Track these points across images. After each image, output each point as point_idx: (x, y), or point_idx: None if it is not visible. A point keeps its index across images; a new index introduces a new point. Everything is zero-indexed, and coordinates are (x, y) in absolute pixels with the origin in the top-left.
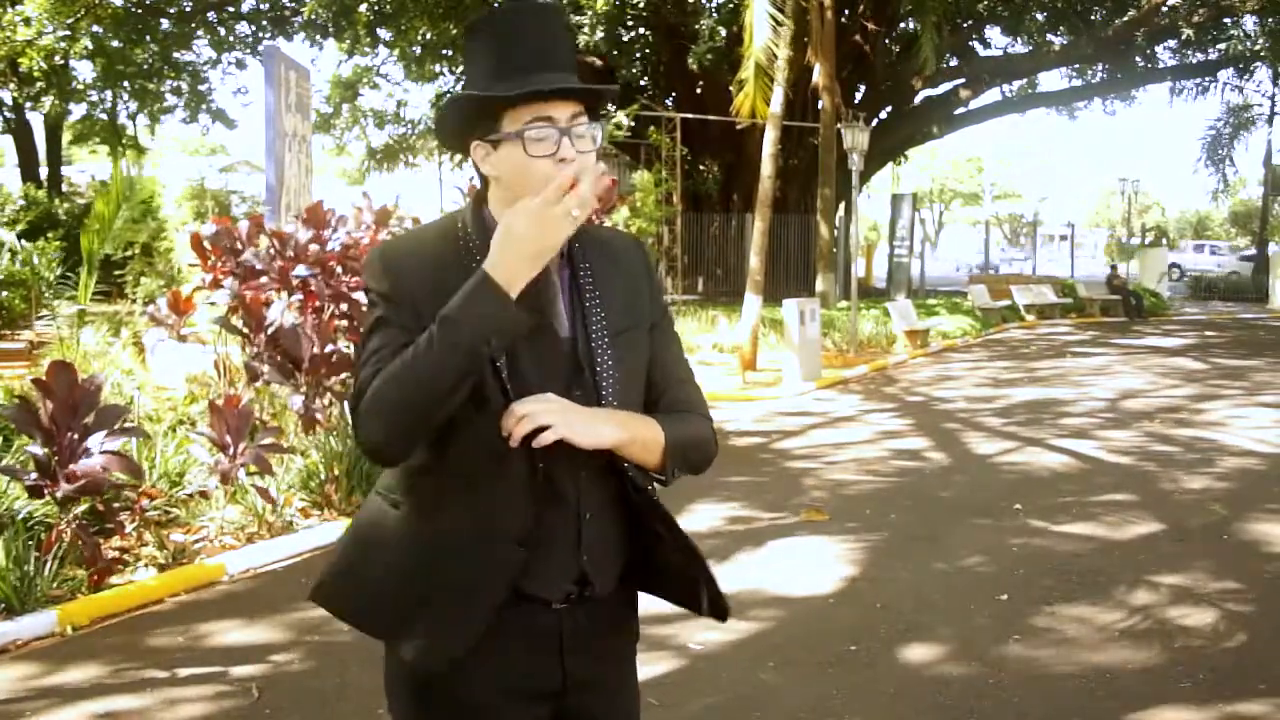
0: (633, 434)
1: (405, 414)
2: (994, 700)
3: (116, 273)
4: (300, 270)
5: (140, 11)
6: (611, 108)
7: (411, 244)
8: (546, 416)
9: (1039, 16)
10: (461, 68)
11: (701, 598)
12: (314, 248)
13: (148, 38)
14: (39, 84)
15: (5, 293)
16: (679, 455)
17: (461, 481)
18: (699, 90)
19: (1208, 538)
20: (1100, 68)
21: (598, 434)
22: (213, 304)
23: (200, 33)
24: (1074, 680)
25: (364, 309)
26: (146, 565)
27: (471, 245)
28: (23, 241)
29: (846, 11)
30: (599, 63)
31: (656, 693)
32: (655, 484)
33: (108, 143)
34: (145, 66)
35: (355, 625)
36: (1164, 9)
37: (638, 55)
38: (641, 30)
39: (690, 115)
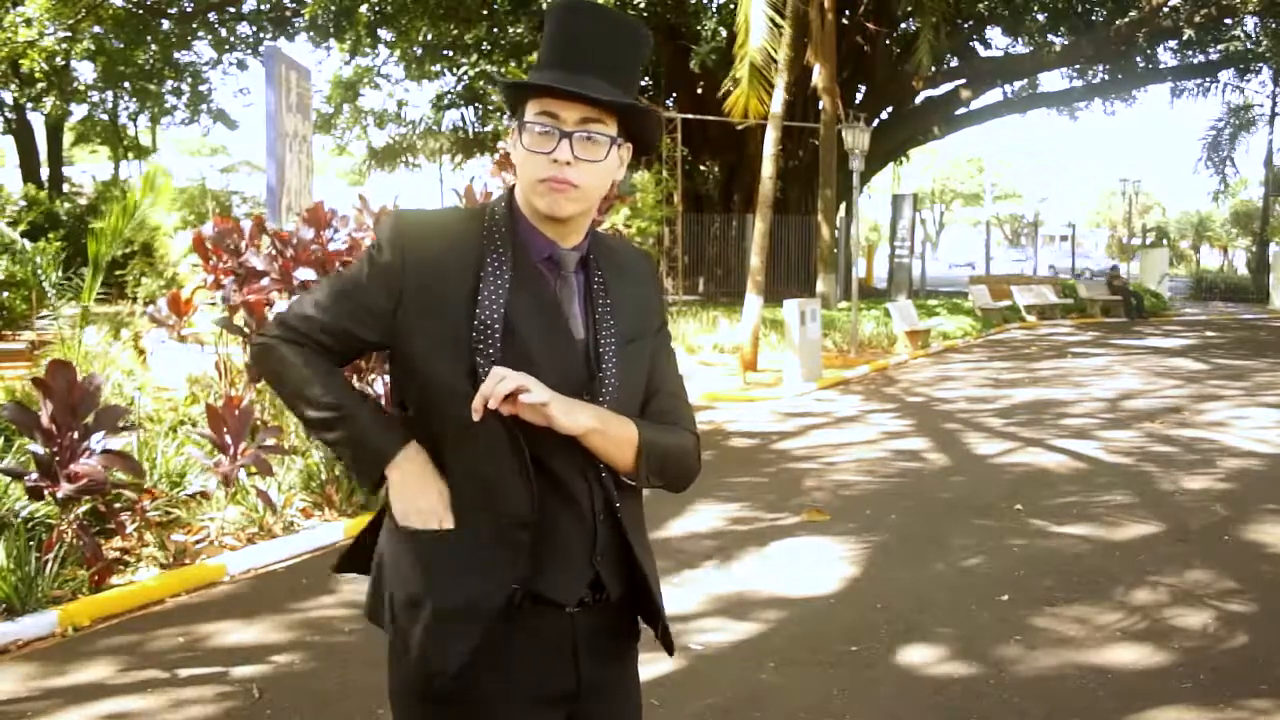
0: (604, 425)
1: (279, 395)
2: (994, 700)
3: (117, 272)
4: (302, 273)
5: (141, 12)
6: None
7: (435, 219)
8: (526, 380)
9: (1040, 17)
10: (462, 68)
11: (658, 623)
12: (315, 248)
13: (148, 38)
14: (40, 85)
15: (6, 293)
16: (655, 461)
17: (459, 472)
18: (699, 91)
19: (1208, 538)
20: (1101, 68)
21: (575, 418)
22: (214, 304)
23: (201, 33)
24: (1074, 680)
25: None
26: (147, 566)
27: (497, 230)
28: (26, 242)
29: (847, 12)
30: None
31: (657, 693)
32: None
33: (109, 143)
34: (146, 67)
35: (382, 626)
36: (1165, 9)
37: None
38: None
39: (691, 116)
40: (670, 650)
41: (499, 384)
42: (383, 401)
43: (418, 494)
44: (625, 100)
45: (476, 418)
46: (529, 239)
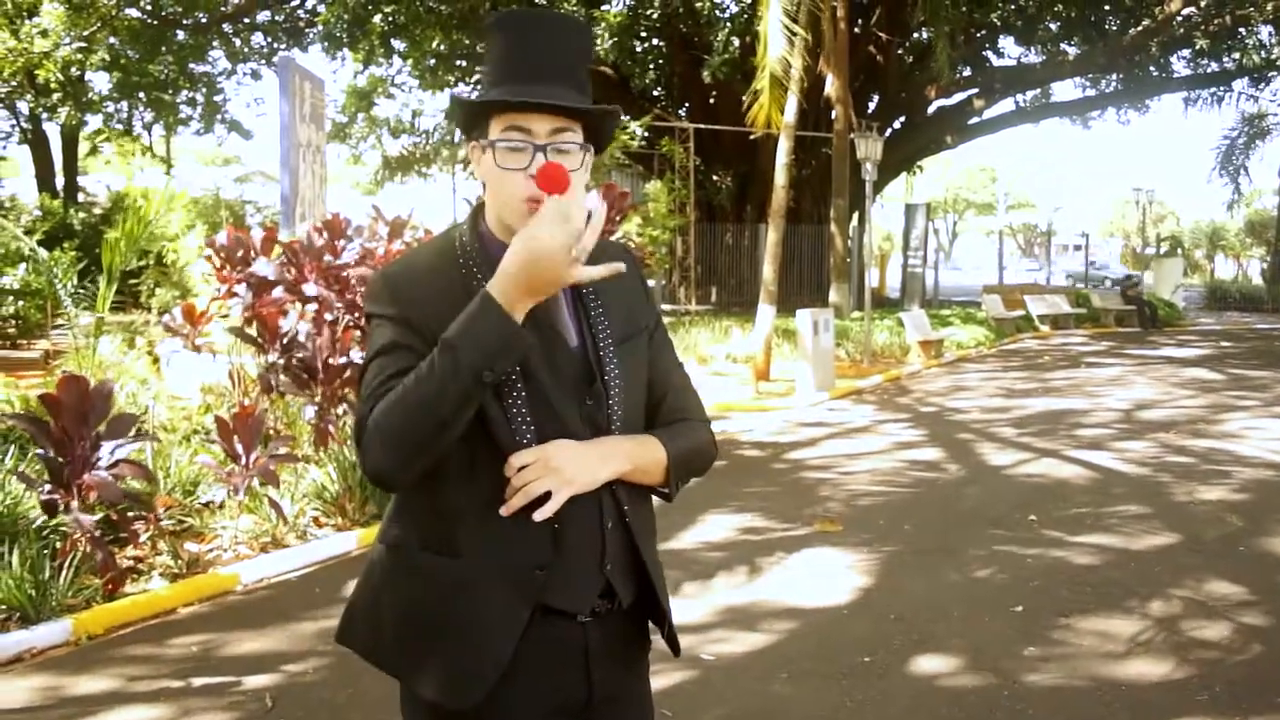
0: (634, 463)
1: (407, 440)
2: (1008, 712)
3: (131, 281)
4: (309, 288)
5: (156, 23)
6: (624, 117)
7: (413, 264)
8: (543, 484)
9: (1052, 26)
10: (476, 78)
11: (664, 624)
12: (327, 258)
13: (163, 49)
14: (55, 95)
15: (22, 302)
16: (683, 470)
17: (473, 514)
18: (712, 100)
19: (1224, 549)
20: (1114, 77)
21: (598, 477)
22: (226, 315)
23: (216, 43)
24: (1089, 693)
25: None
26: (161, 574)
27: (470, 260)
28: (42, 251)
29: (860, 22)
30: (612, 73)
31: (669, 703)
32: (659, 498)
33: (131, 148)
34: (161, 78)
35: (373, 663)
36: (1178, 19)
37: (651, 66)
38: (655, 41)
39: (703, 126)
40: (676, 651)
41: (514, 498)
42: None
43: (517, 270)
44: (595, 106)
45: (505, 513)
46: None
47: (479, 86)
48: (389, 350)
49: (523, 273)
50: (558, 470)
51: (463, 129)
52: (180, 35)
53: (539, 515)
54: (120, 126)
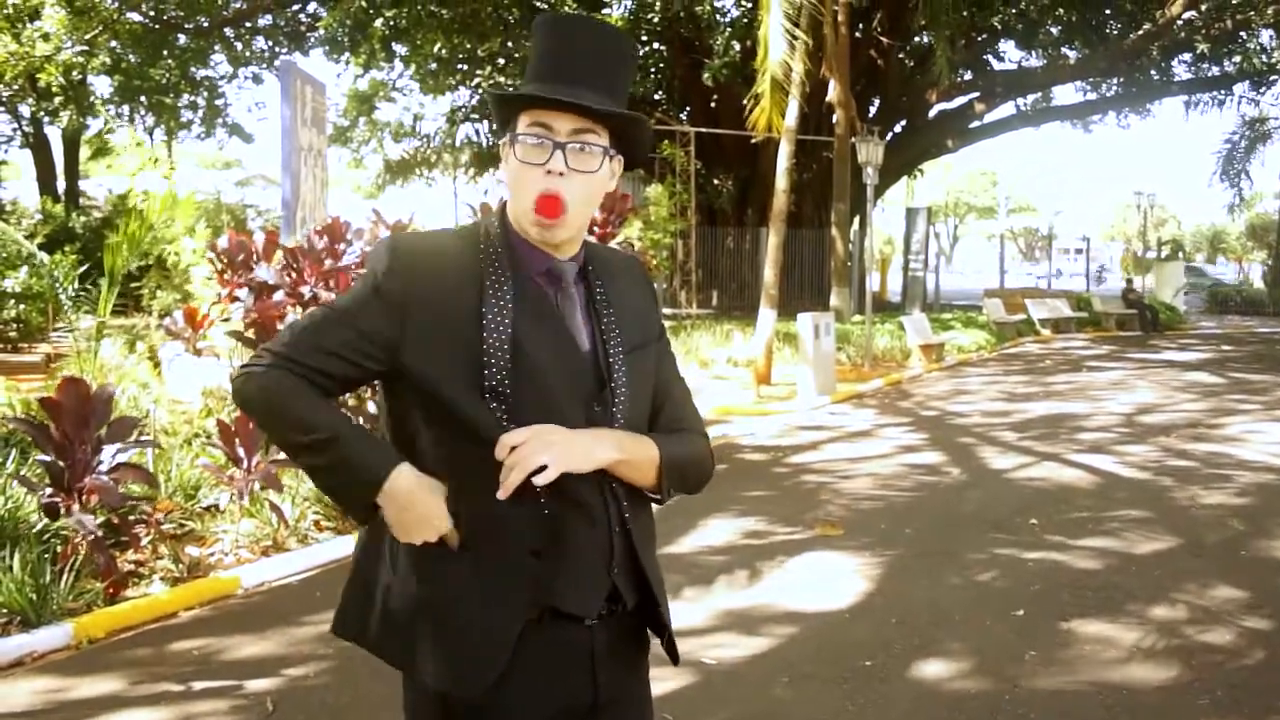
0: (628, 453)
1: (262, 423)
2: (1009, 716)
3: (133, 285)
4: (307, 289)
5: (158, 27)
6: None
7: (432, 244)
8: (539, 456)
9: (1053, 30)
10: (476, 82)
11: (663, 633)
12: (328, 262)
13: (165, 53)
14: (57, 99)
15: (23, 305)
16: (676, 475)
17: (465, 506)
18: (713, 104)
19: (1225, 553)
20: (1114, 81)
21: (593, 456)
22: (227, 319)
23: (217, 47)
24: (1090, 697)
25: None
26: (162, 578)
27: (493, 248)
28: (43, 255)
29: (861, 26)
30: None
31: (671, 708)
32: (652, 503)
33: (138, 138)
34: (162, 82)
35: (377, 654)
36: (1179, 23)
37: (652, 70)
38: (656, 45)
39: (704, 129)
40: (675, 659)
41: (509, 476)
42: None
43: (416, 504)
44: (618, 110)
45: (503, 495)
46: (525, 254)
47: (479, 89)
48: (338, 318)
49: (397, 514)
50: (550, 445)
51: (498, 127)
52: (182, 39)
53: (540, 480)
54: (123, 129)
